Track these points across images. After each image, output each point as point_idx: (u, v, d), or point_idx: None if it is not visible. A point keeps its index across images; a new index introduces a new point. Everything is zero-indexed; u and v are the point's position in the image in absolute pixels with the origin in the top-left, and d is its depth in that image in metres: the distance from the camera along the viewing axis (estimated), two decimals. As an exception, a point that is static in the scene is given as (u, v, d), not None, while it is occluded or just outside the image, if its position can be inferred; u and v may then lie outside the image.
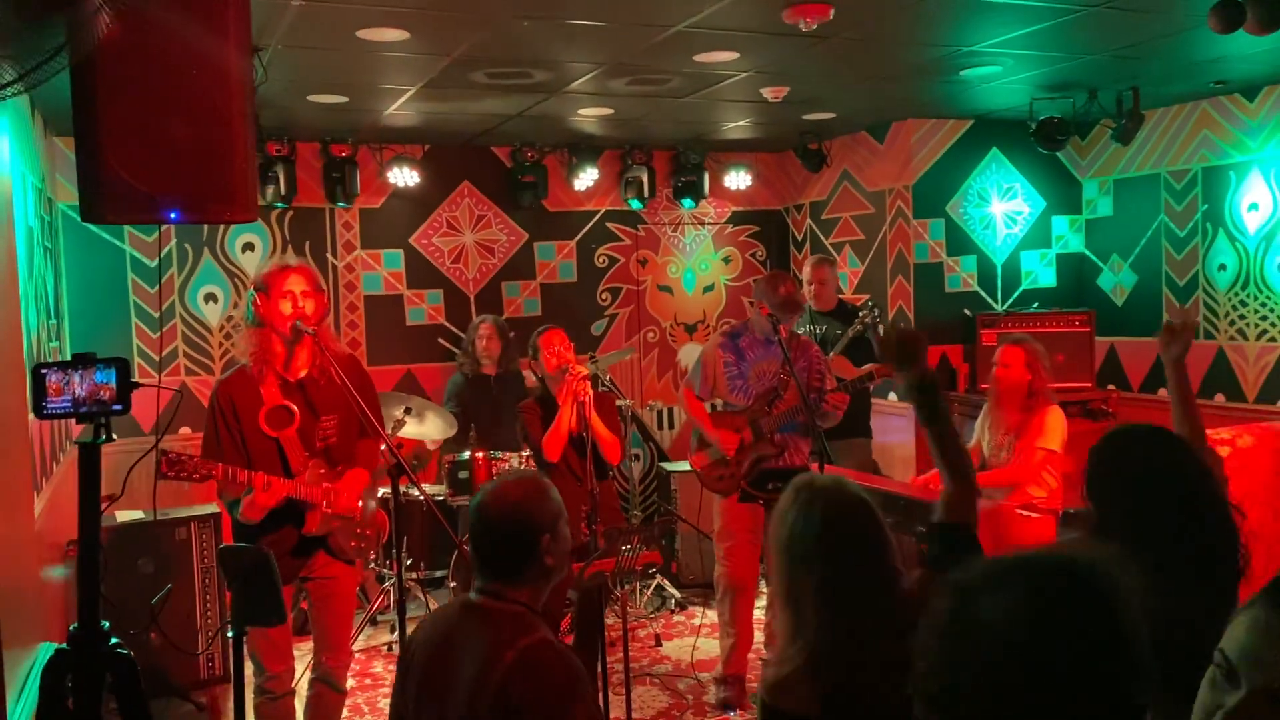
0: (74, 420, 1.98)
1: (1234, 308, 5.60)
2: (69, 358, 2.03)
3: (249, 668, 3.34)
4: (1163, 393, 5.97)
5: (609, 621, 4.29)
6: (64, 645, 1.94)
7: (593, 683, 2.18)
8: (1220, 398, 5.64)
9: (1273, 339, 5.39)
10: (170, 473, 3.02)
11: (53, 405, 1.93)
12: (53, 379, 1.92)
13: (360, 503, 3.47)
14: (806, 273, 5.68)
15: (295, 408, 3.31)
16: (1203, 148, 5.70)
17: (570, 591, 4.03)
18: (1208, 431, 4.33)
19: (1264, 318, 5.44)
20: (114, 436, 2.03)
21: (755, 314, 4.41)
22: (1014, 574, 1.13)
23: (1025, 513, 3.99)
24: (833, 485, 2.05)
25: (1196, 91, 5.51)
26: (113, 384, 1.97)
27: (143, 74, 2.16)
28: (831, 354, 5.08)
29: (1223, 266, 5.64)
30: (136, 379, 2.07)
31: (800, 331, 5.39)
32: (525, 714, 1.88)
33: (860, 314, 5.36)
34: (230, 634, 2.28)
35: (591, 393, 4.24)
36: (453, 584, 5.23)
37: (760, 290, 4.38)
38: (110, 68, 2.14)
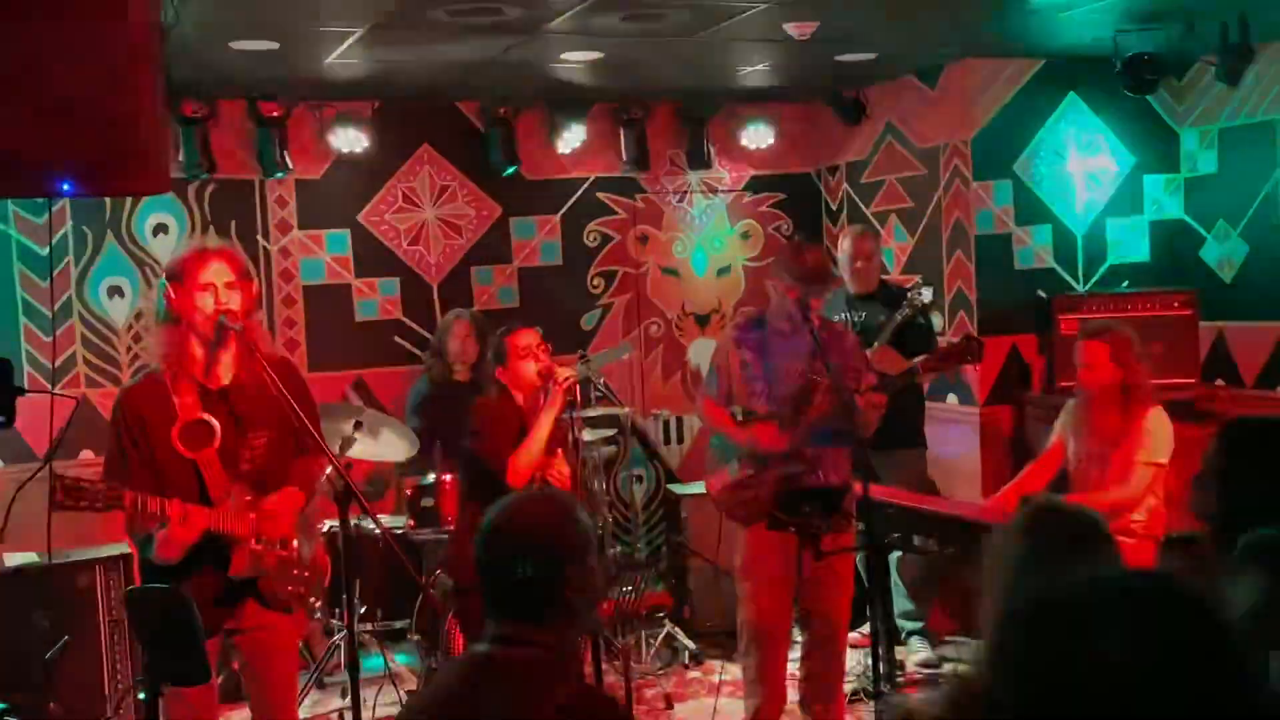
0: (-55, 437, 1.99)
1: (1369, 283, 5.60)
2: (-61, 361, 2.03)
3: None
4: (1283, 389, 5.98)
5: (609, 679, 4.29)
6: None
7: None
8: (1354, 394, 5.64)
9: None
10: (68, 502, 3.03)
11: (-82, 418, 1.95)
12: (-84, 386, 1.94)
13: (296, 533, 3.47)
14: (845, 247, 5.66)
15: (216, 422, 3.32)
16: (1328, 88, 5.70)
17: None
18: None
19: (1406, 295, 5.45)
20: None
21: (777, 296, 4.34)
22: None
23: (1120, 538, 3.99)
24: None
25: (1319, 19, 5.51)
26: (-10, 390, 1.98)
27: (21, 18, 2.17)
28: (875, 346, 5.06)
29: (1355, 233, 5.65)
30: (23, 385, 2.07)
31: (835, 318, 5.39)
32: None
33: (909, 295, 5.35)
34: (142, 696, 2.28)
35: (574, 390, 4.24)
36: (416, 636, 5.24)
37: (780, 263, 4.36)
38: (-15, 9, 2.15)
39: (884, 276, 5.88)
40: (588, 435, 5.53)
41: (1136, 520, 3.99)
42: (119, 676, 4.65)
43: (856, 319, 5.46)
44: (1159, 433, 3.99)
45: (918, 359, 4.70)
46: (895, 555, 5.04)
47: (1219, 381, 6.20)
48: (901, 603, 5.56)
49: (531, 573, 2.05)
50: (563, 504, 2.18)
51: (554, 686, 1.98)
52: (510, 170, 6.51)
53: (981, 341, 4.66)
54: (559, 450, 4.38)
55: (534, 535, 2.09)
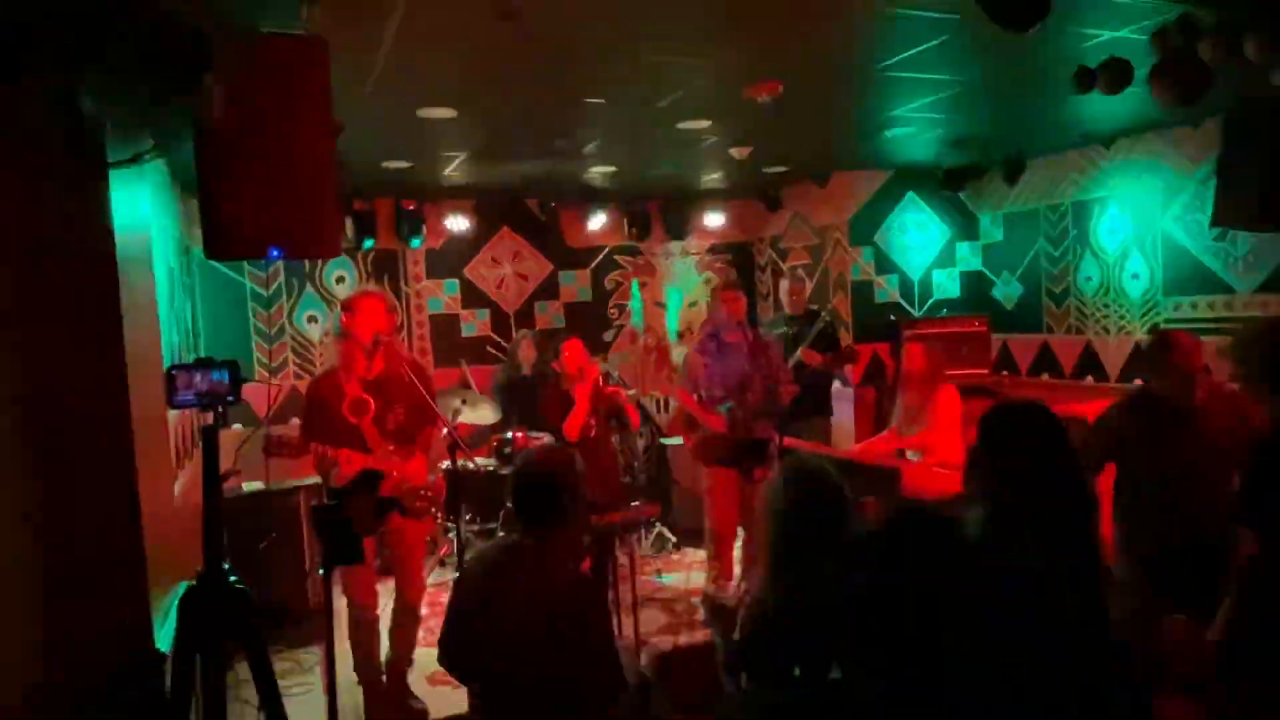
0: (199, 410, 1.98)
1: (1098, 309, 5.57)
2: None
3: (342, 601, 3.36)
4: (1045, 376, 5.95)
5: (621, 560, 4.27)
6: (192, 583, 1.94)
7: (606, 602, 2.21)
8: (1090, 379, 5.61)
9: (1128, 333, 5.36)
10: (275, 450, 3.03)
11: (181, 398, 1.94)
12: (180, 377, 1.93)
13: (425, 473, 3.46)
14: (785, 286, 5.60)
15: (371, 400, 3.31)
16: (1072, 186, 5.67)
17: (587, 538, 4.03)
18: (1082, 405, 4.31)
19: (1121, 316, 5.41)
20: (231, 424, 2.04)
21: (722, 312, 4.37)
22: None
23: (941, 469, 3.96)
24: (802, 462, 2.07)
25: (1066, 143, 5.48)
26: (227, 380, 1.97)
27: (249, 147, 2.16)
28: (802, 347, 4.97)
29: (1089, 278, 5.61)
30: (250, 377, 2.06)
31: (778, 331, 5.37)
32: (580, 614, 1.95)
33: (821, 314, 5.27)
34: (321, 572, 2.28)
35: (602, 381, 4.24)
36: (502, 534, 5.22)
37: (714, 295, 4.39)
38: (224, 143, 2.14)
39: (809, 305, 5.80)
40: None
41: (933, 456, 3.94)
42: (315, 558, 4.65)
43: (792, 330, 5.39)
44: (946, 403, 3.94)
45: (815, 359, 4.68)
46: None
47: (1004, 372, 6.18)
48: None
49: (543, 495, 2.06)
50: (564, 454, 2.18)
51: (565, 563, 2.00)
52: (558, 241, 6.51)
53: (856, 349, 4.63)
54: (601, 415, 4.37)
55: (545, 473, 2.09)
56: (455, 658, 2.12)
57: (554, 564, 2.00)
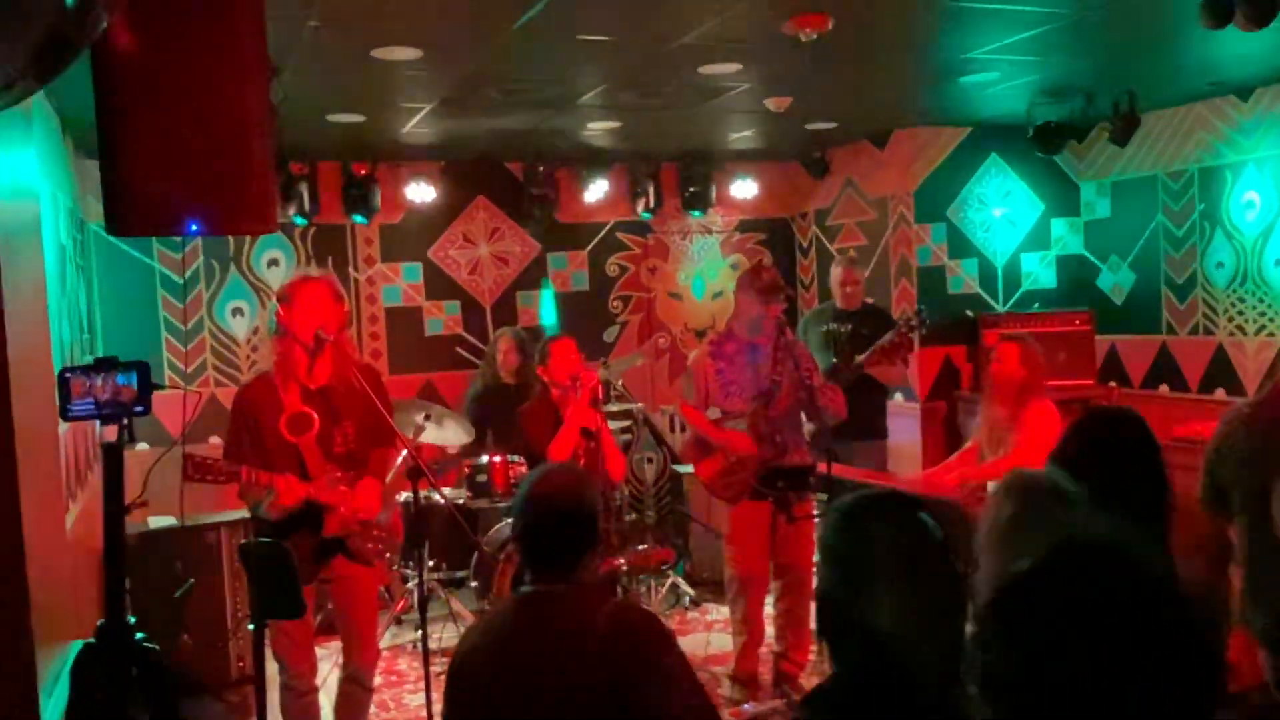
0: (99, 423, 2.00)
1: (1232, 304, 5.55)
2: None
3: (273, 667, 3.37)
4: (1164, 389, 5.94)
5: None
6: (91, 640, 1.96)
7: (671, 634, 2.14)
8: (1221, 392, 5.59)
9: (1271, 334, 5.34)
10: (195, 475, 3.04)
11: (77, 407, 1.96)
12: (76, 382, 1.95)
13: (376, 508, 3.47)
14: (837, 274, 5.58)
15: (315, 414, 3.32)
16: (1199, 148, 5.67)
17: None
18: (1211, 424, 4.30)
19: (1262, 313, 5.40)
20: (139, 440, 2.06)
21: (746, 311, 4.31)
22: None
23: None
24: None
25: (1191, 93, 5.47)
26: (134, 386, 1.99)
27: (163, 94, 2.18)
28: (870, 354, 4.89)
29: (1220, 264, 5.60)
30: (161, 383, 2.08)
31: (824, 329, 5.36)
32: (640, 669, 1.85)
33: (908, 318, 4.99)
34: (251, 626, 2.29)
35: (601, 392, 4.24)
36: (474, 583, 5.24)
37: (745, 284, 4.33)
38: (131, 88, 2.16)
39: (867, 298, 5.75)
40: (611, 425, 5.52)
41: None
42: (237, 613, 4.66)
43: (843, 330, 5.37)
44: (1040, 421, 3.93)
45: (862, 357, 4.65)
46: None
47: (1112, 384, 6.17)
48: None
49: (577, 527, 2.04)
50: (583, 472, 2.18)
51: (600, 605, 1.95)
52: (547, 215, 6.50)
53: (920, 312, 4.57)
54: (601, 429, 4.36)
55: (577, 499, 2.07)
56: None
57: (593, 607, 1.93)
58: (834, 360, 5.04)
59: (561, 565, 2.03)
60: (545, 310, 6.70)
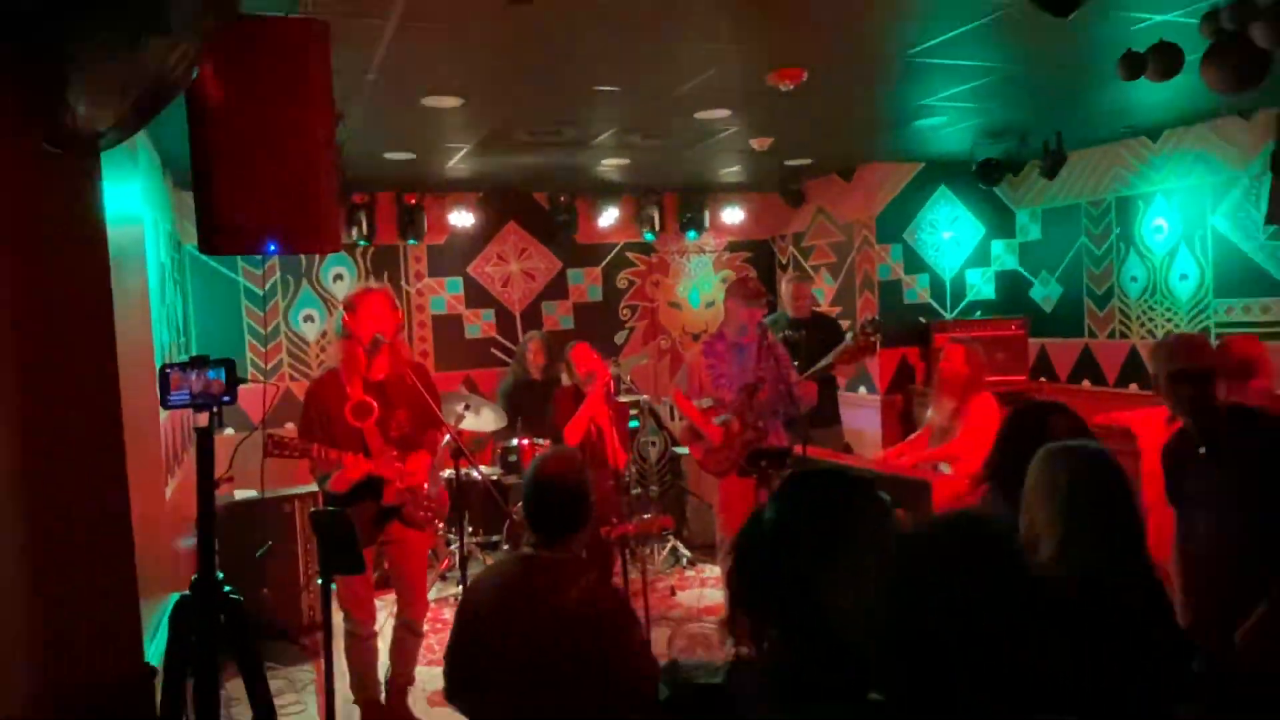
0: (193, 410, 1.99)
1: (1144, 312, 5.53)
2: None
3: (339, 616, 3.37)
4: (1086, 383, 5.91)
5: (632, 576, 4.27)
6: (186, 593, 1.96)
7: (633, 614, 2.15)
8: (1134, 386, 5.57)
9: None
10: (275, 451, 3.04)
11: (175, 397, 1.96)
12: (174, 376, 1.95)
13: (426, 481, 3.47)
14: (787, 289, 5.57)
15: (374, 403, 3.32)
16: (1116, 181, 5.64)
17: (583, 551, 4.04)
18: (1126, 414, 4.28)
19: (1169, 319, 5.37)
20: (226, 426, 2.05)
21: (732, 315, 4.30)
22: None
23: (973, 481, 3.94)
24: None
25: (1110, 134, 5.45)
26: (222, 380, 1.99)
27: (245, 135, 2.18)
28: (830, 360, 4.89)
29: (1134, 278, 5.58)
30: (244, 378, 2.08)
31: (781, 335, 5.34)
32: (601, 635, 1.89)
33: (858, 325, 5.00)
34: (320, 581, 2.28)
35: (613, 387, 4.22)
36: (505, 546, 5.24)
37: (732, 291, 4.33)
38: (219, 131, 2.16)
39: (815, 308, 5.78)
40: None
41: (964, 467, 3.91)
42: (308, 570, 4.67)
43: (798, 335, 5.36)
44: (982, 411, 3.92)
45: (832, 356, 4.64)
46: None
47: (1042, 379, 6.15)
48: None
49: (572, 502, 2.06)
50: (578, 456, 2.18)
51: (579, 577, 1.98)
52: (568, 237, 6.51)
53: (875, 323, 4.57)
54: (610, 422, 4.33)
55: (574, 477, 2.09)
56: (463, 688, 2.06)
57: (572, 577, 1.97)
58: (794, 362, 5.02)
59: (556, 535, 2.05)
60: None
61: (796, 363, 4.78)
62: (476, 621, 2.07)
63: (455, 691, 2.09)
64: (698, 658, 2.00)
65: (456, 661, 2.09)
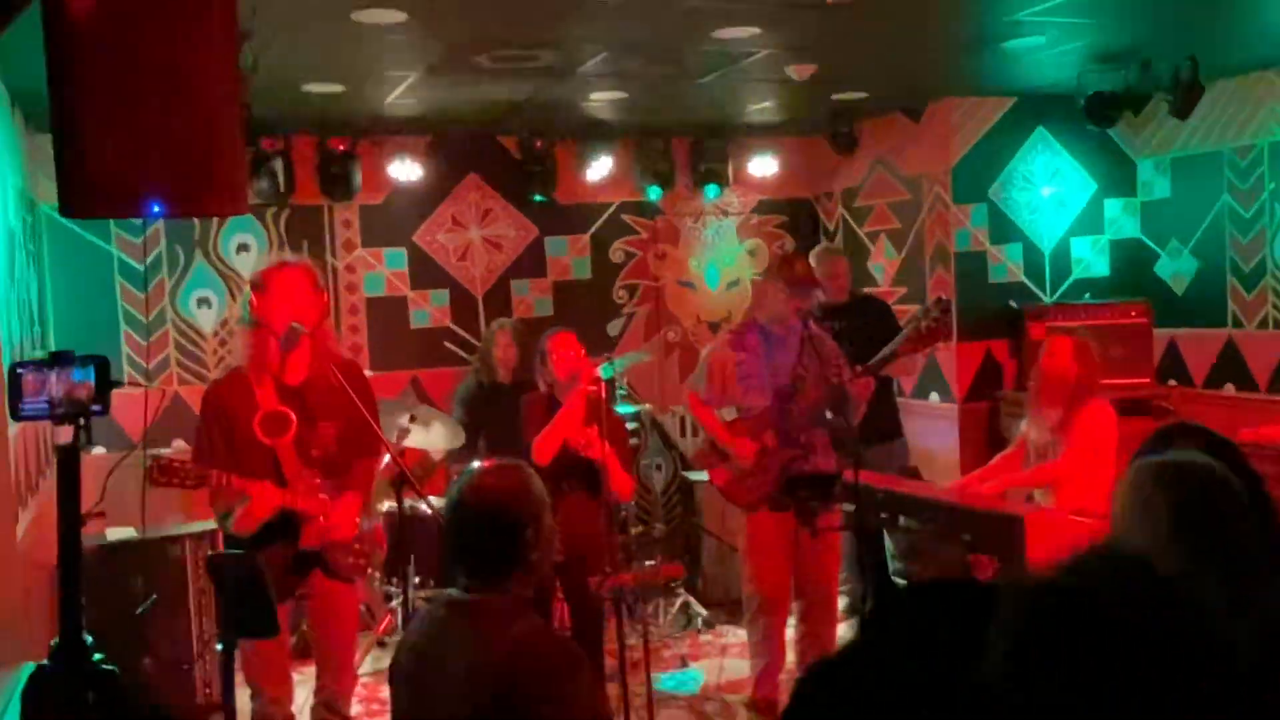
0: (51, 422, 2.01)
1: (1306, 294, 5.55)
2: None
3: (244, 693, 3.39)
4: (1229, 388, 5.93)
5: (630, 642, 4.29)
6: (44, 662, 1.97)
7: (582, 671, 2.18)
8: (1292, 392, 5.59)
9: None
10: (161, 479, 3.06)
11: (29, 406, 1.97)
12: (29, 378, 1.97)
13: (357, 522, 3.49)
14: (817, 266, 5.51)
15: (292, 414, 3.34)
16: (1270, 120, 5.65)
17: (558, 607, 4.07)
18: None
19: (1339, 304, 5.39)
20: (96, 444, 2.07)
21: (772, 302, 4.32)
22: None
23: (1078, 518, 3.96)
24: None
25: (1261, 59, 5.46)
26: (91, 382, 2.00)
27: (122, 62, 2.19)
28: (895, 344, 4.86)
29: (1293, 250, 5.60)
30: (119, 380, 2.10)
31: None
32: (530, 701, 1.91)
33: (927, 311, 4.97)
34: (220, 647, 2.31)
35: (604, 391, 4.18)
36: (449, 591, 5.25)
37: (774, 273, 4.36)
38: (87, 56, 2.17)
39: (862, 289, 5.76)
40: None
41: (1068, 496, 3.93)
42: (204, 633, 4.68)
43: (838, 326, 5.35)
44: (1094, 423, 3.94)
45: (895, 345, 4.63)
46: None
47: (1171, 382, 6.16)
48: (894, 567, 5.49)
49: (491, 536, 2.07)
50: (519, 472, 2.18)
51: (511, 625, 2.00)
52: (542, 197, 6.53)
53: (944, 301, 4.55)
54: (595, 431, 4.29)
55: (493, 505, 2.10)
56: None
57: (501, 627, 2.00)
58: None
59: (488, 575, 2.08)
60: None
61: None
62: (399, 685, 2.15)
63: None
64: None
65: None
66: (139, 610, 4.24)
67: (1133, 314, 5.96)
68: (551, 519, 2.18)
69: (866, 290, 5.85)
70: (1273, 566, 1.93)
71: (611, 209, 6.92)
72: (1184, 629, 1.10)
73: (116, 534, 4.60)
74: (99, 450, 4.61)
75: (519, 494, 2.12)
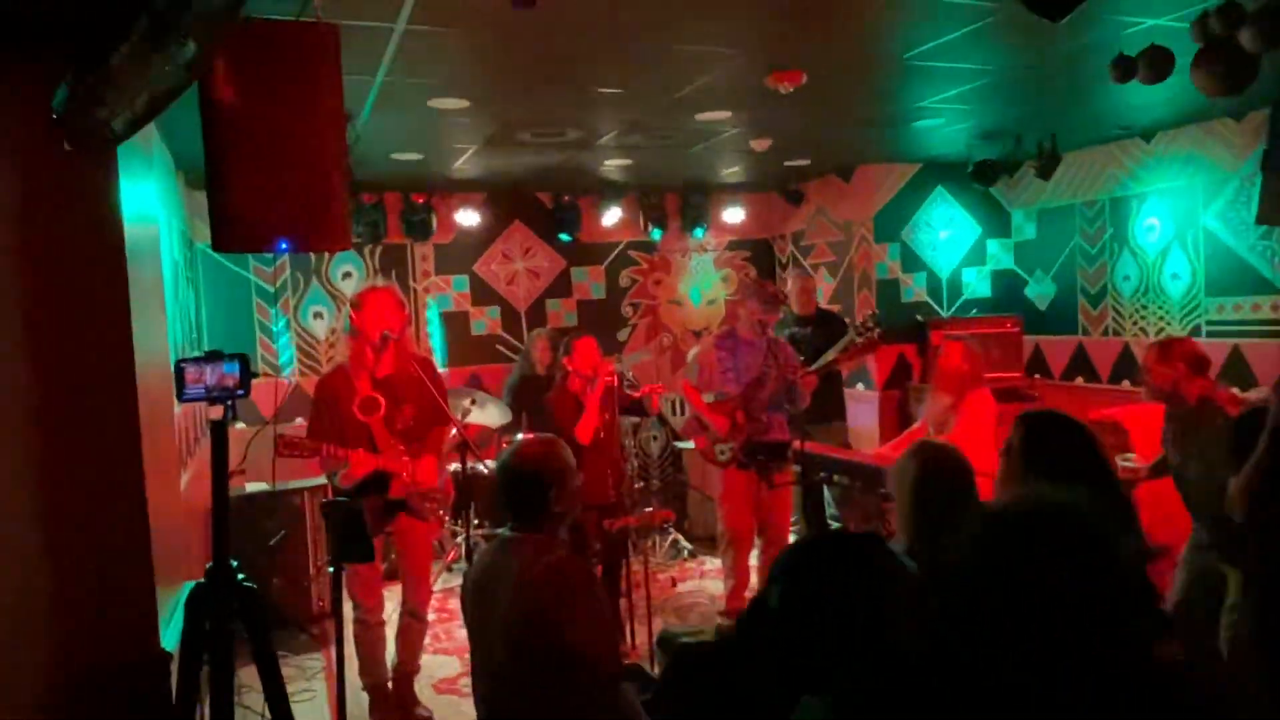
0: (207, 404, 2.02)
1: (1136, 310, 5.53)
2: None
3: (348, 605, 3.39)
4: (1079, 380, 5.92)
5: (635, 568, 4.29)
6: (201, 580, 1.98)
7: (615, 611, 2.20)
8: (1126, 383, 5.57)
9: (1167, 335, 5.32)
10: (285, 451, 3.07)
11: (190, 391, 1.98)
12: (190, 371, 1.97)
13: (432, 475, 3.49)
14: (794, 285, 5.59)
15: (381, 399, 3.34)
16: (1109, 182, 5.64)
17: (596, 544, 4.06)
18: (1118, 410, 4.28)
19: (1160, 318, 5.38)
20: (238, 419, 2.07)
21: (746, 316, 4.34)
22: None
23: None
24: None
25: (1104, 136, 5.45)
26: (236, 374, 2.01)
27: (257, 136, 2.19)
28: (832, 353, 4.90)
29: (1127, 277, 5.58)
30: (257, 371, 2.10)
31: (784, 333, 5.36)
32: (546, 610, 1.93)
33: (856, 323, 5.02)
34: (330, 570, 2.31)
35: (616, 383, 4.21)
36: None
37: (748, 293, 4.36)
38: (231, 132, 2.18)
39: (818, 305, 5.79)
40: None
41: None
42: (318, 560, 4.70)
43: (801, 332, 5.39)
44: (979, 407, 3.93)
45: (835, 354, 4.65)
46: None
47: (1036, 375, 6.16)
48: (830, 513, 5.52)
49: (527, 491, 2.09)
50: (549, 445, 2.19)
51: (544, 555, 2.02)
52: (569, 237, 6.52)
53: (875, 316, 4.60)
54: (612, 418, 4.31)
55: (529, 466, 2.12)
56: (475, 676, 2.15)
57: (537, 556, 2.02)
58: (800, 359, 5.03)
59: (529, 519, 2.09)
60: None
61: (802, 359, 4.82)
62: (468, 600, 2.16)
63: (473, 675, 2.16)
64: (684, 625, 2.05)
65: (472, 650, 2.17)
66: (271, 543, 4.25)
67: (1007, 325, 5.95)
68: (576, 479, 2.18)
69: (823, 308, 5.83)
70: (1116, 495, 1.99)
71: (620, 246, 6.90)
72: (1081, 536, 1.10)
73: (253, 487, 4.62)
74: (240, 425, 4.61)
75: (548, 462, 2.13)
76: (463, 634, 4.44)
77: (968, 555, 1.14)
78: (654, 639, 3.43)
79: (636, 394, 4.38)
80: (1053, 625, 1.05)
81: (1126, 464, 3.65)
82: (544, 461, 2.13)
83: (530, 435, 2.26)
